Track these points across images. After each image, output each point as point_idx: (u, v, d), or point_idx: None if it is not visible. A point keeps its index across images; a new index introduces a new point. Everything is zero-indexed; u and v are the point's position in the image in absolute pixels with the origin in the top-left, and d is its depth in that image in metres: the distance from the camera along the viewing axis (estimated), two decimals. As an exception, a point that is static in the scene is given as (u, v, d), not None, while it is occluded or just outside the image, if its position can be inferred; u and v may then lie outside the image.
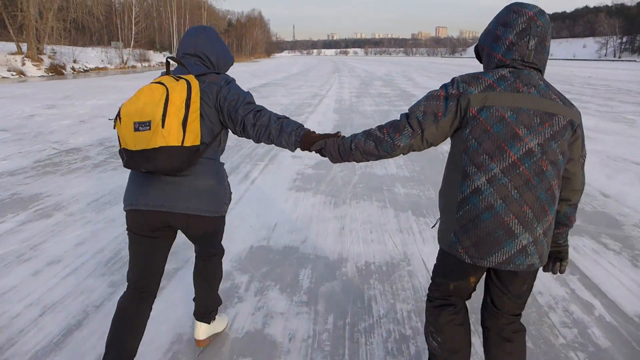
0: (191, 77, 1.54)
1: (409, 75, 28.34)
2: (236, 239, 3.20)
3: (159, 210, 1.56)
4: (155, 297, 1.73)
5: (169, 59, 1.59)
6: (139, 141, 1.41)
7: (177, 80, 1.48)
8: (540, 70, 1.39)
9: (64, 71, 29.33)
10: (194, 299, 1.98)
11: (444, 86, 1.40)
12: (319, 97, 13.84)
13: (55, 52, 32.31)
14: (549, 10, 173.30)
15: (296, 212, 3.89)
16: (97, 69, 36.28)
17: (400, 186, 4.68)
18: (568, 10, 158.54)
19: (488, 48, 1.41)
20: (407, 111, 1.43)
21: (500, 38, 1.35)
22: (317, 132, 1.59)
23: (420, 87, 18.01)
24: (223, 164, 1.77)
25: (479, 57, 1.51)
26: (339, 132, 1.60)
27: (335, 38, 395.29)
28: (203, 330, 1.98)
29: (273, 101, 12.62)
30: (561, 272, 1.52)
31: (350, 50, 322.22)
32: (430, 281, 1.58)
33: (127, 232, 1.68)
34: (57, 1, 32.70)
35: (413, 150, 1.43)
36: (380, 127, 1.45)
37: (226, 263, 2.35)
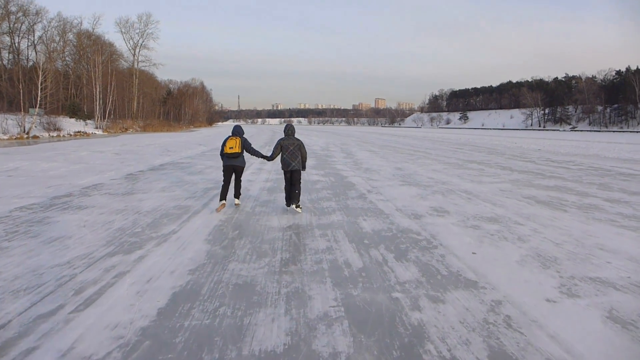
0: (238, 138, 7.69)
1: (349, 149, 24.87)
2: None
3: (232, 165, 7.68)
4: (235, 182, 7.94)
5: (234, 134, 7.81)
6: (230, 151, 7.55)
7: (236, 138, 7.66)
8: (294, 135, 7.56)
9: None
10: (234, 194, 7.97)
11: (277, 141, 7.42)
12: (210, 194, 9.35)
13: None
14: (479, 84, 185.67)
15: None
16: (-19, 140, 30.17)
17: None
18: (494, 85, 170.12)
19: (283, 134, 7.64)
20: (272, 150, 7.49)
21: (285, 130, 7.59)
22: (266, 156, 7.82)
23: (362, 169, 14.09)
24: (243, 156, 7.82)
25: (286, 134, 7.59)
26: (269, 157, 7.61)
27: (279, 108, 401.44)
28: (237, 202, 7.96)
29: (133, 206, 7.97)
30: (303, 169, 7.54)
31: (295, 119, 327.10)
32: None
33: (223, 171, 7.80)
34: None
35: (278, 155, 7.47)
36: (271, 154, 7.51)
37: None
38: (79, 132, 48.79)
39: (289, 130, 7.52)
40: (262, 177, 11.98)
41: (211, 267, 4.56)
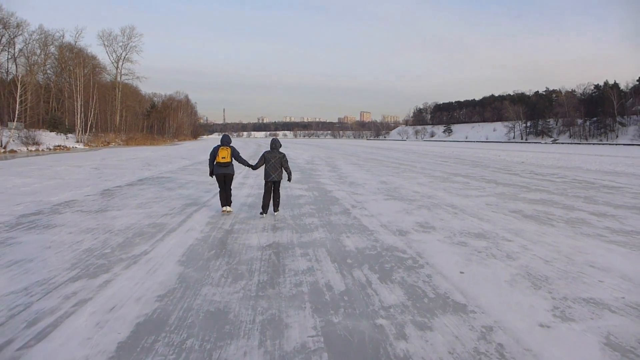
0: (228, 148, 8.45)
1: (334, 162, 24.67)
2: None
3: (223, 173, 8.41)
4: (225, 191, 8.56)
5: (223, 144, 8.57)
6: (222, 160, 8.31)
7: (227, 147, 8.43)
8: (279, 149, 8.32)
9: None
10: (226, 200, 8.59)
11: (262, 154, 8.23)
12: (189, 211, 9.01)
13: None
14: (462, 98, 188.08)
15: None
16: (-45, 155, 29.22)
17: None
18: (477, 98, 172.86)
19: (269, 147, 8.35)
20: (258, 159, 8.35)
21: (270, 144, 8.33)
22: (251, 165, 8.69)
23: (346, 183, 13.87)
24: (233, 164, 8.62)
25: (275, 147, 8.35)
26: (254, 167, 8.50)
27: (265, 121, 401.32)
28: (228, 209, 8.60)
29: (105, 224, 7.58)
30: (288, 180, 8.71)
31: (280, 132, 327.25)
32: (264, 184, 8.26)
33: (216, 179, 8.54)
34: None
35: (262, 165, 8.31)
36: (255, 164, 8.48)
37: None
38: (59, 146, 47.88)
39: (274, 144, 8.34)
40: (244, 192, 11.66)
41: (182, 292, 4.23)
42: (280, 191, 8.87)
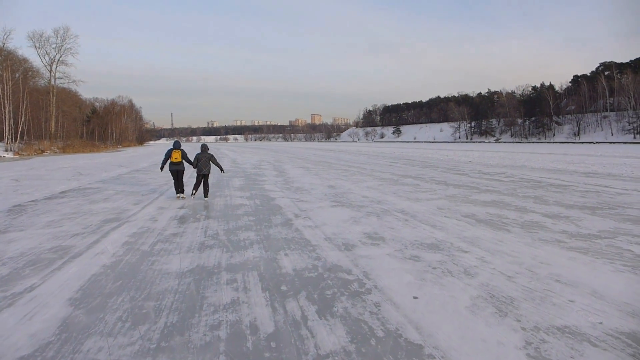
0: (179, 150, 11.33)
1: (282, 166, 23.72)
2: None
3: (176, 169, 11.27)
4: (177, 182, 11.32)
5: (175, 147, 11.47)
6: (175, 160, 11.17)
7: (179, 150, 11.30)
8: (207, 151, 11.27)
9: None
10: (179, 190, 11.28)
11: (195, 155, 11.08)
12: (106, 228, 7.82)
13: None
14: (410, 99, 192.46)
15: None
16: None
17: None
18: (424, 100, 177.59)
19: (200, 149, 11.36)
20: (193, 160, 11.07)
21: (201, 148, 11.34)
22: (192, 164, 11.10)
23: (292, 189, 12.99)
24: (183, 162, 11.39)
25: (203, 150, 11.33)
26: (194, 166, 11.04)
27: (215, 125, 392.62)
28: (183, 196, 11.22)
29: (3, 250, 6.28)
30: (222, 172, 11.76)
31: (231, 136, 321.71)
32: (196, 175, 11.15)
33: (171, 174, 11.45)
34: None
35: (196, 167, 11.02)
36: (194, 164, 11.01)
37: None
38: (-17, 155, 43.75)
39: (202, 147, 11.30)
40: (179, 203, 10.52)
41: (56, 349, 3.20)
42: (209, 182, 12.72)
